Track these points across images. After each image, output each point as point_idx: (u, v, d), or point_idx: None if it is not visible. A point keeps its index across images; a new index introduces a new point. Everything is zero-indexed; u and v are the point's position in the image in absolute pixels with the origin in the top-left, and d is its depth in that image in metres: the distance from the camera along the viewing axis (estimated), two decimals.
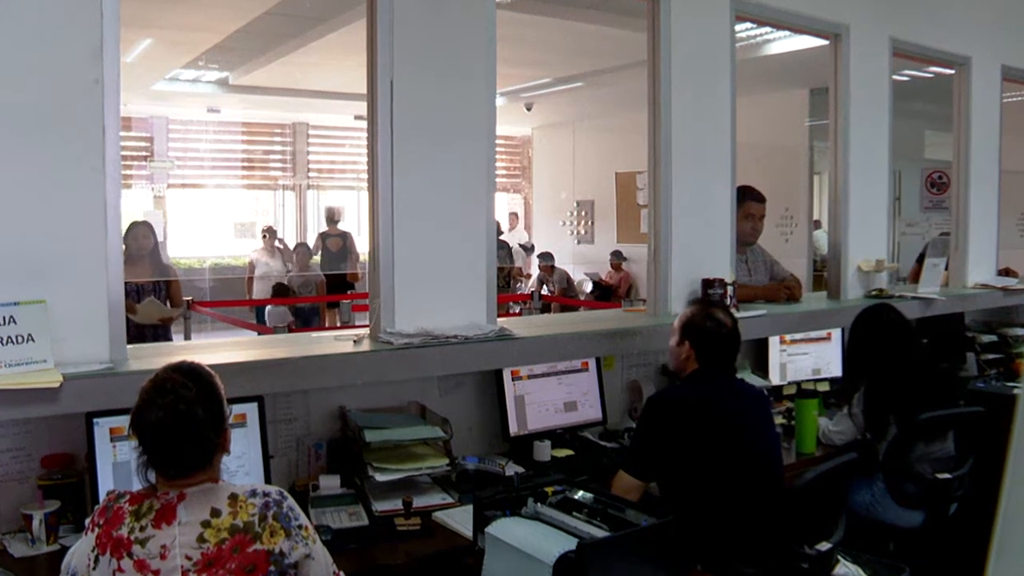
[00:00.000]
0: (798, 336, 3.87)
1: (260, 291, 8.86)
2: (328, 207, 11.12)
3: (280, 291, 8.52)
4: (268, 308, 8.45)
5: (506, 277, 10.80)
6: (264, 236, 9.76)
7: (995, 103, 5.26)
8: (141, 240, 4.76)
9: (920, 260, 5.17)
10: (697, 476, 2.47)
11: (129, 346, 2.45)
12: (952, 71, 5.13)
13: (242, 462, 2.41)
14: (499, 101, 3.20)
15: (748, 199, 4.00)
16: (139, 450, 1.74)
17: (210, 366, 1.84)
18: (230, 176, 12.03)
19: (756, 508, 2.45)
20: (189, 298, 6.82)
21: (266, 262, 9.32)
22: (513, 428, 3.06)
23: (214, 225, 11.56)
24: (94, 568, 1.70)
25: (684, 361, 2.68)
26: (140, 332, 4.46)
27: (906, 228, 6.96)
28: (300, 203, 12.71)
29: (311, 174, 12.68)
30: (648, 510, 2.04)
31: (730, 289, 3.58)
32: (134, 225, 4.87)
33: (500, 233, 11.37)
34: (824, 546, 2.48)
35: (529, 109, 11.41)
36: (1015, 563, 0.79)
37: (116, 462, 2.28)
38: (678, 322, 2.74)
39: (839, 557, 2.53)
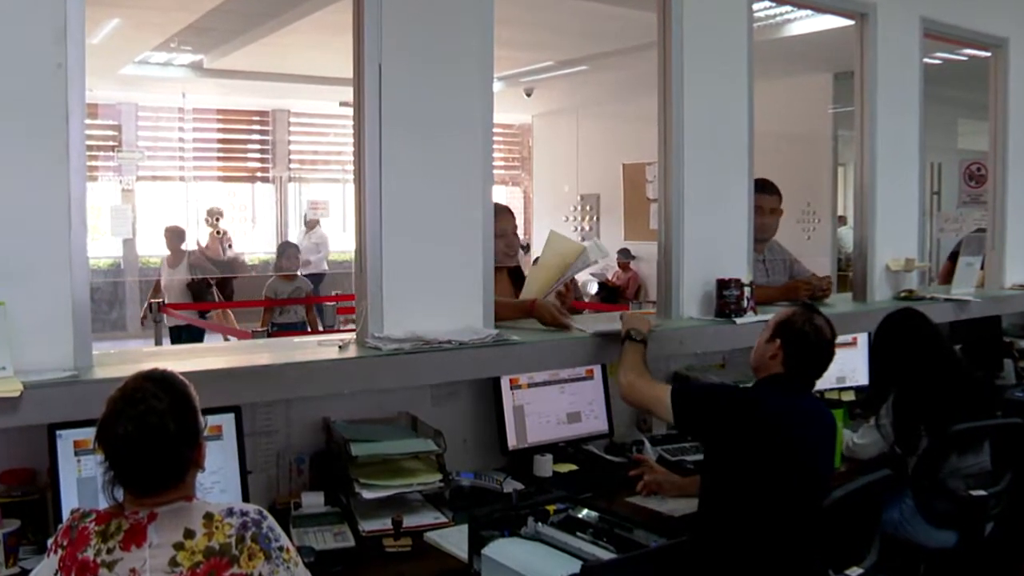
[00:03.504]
0: None
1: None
2: (210, 207, 11.31)
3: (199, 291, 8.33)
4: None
5: None
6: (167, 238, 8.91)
7: None
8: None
9: (952, 258, 5.18)
10: (749, 503, 2.45)
11: (95, 352, 2.45)
12: (988, 54, 5.14)
13: (217, 478, 2.41)
14: (496, 86, 3.21)
15: (756, 191, 3.99)
16: (106, 465, 1.74)
17: (183, 374, 1.84)
18: (204, 168, 12.04)
19: (790, 535, 2.44)
20: None
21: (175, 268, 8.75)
22: (512, 441, 3.06)
23: (189, 221, 11.54)
24: None
25: (768, 360, 2.65)
26: None
27: (944, 224, 6.98)
28: (280, 197, 12.72)
29: (292, 165, 12.70)
30: (658, 530, 2.04)
31: (747, 291, 3.58)
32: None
33: None
34: (855, 571, 2.48)
35: (529, 95, 11.43)
36: None
37: (81, 478, 2.27)
38: (774, 318, 2.73)
39: None
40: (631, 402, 2.90)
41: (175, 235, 8.81)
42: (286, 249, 8.90)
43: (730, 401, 2.63)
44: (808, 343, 2.63)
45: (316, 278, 10.94)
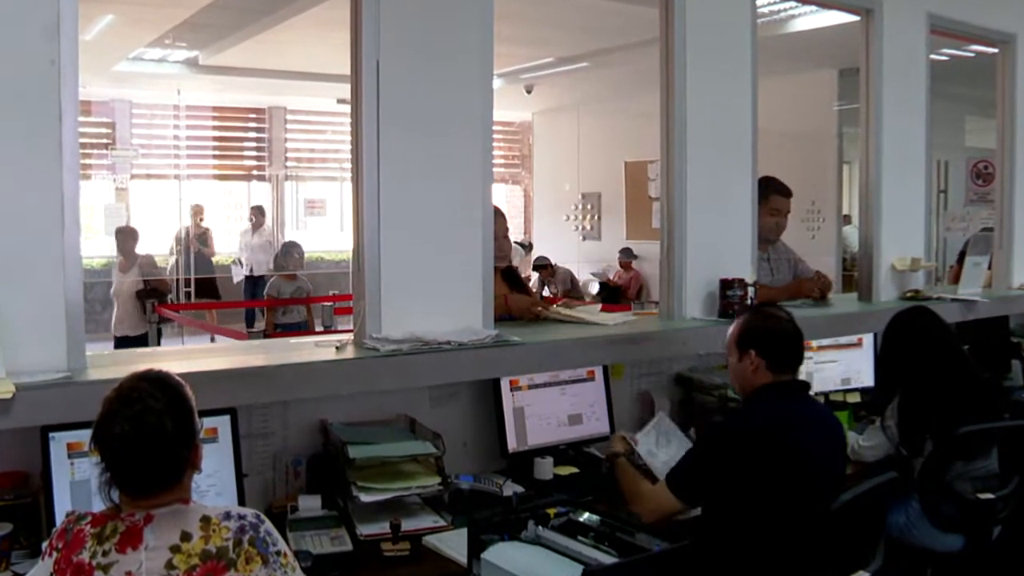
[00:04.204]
0: (826, 342, 3.87)
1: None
2: (195, 204, 11.30)
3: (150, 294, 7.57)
4: None
5: None
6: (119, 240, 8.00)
7: None
8: None
9: (961, 259, 5.18)
10: (752, 510, 2.45)
11: (89, 354, 2.45)
12: (995, 50, 5.14)
13: (213, 481, 2.41)
14: (496, 83, 3.21)
15: (773, 193, 4.01)
16: (102, 466, 1.74)
17: (179, 375, 1.85)
18: (200, 165, 12.05)
19: (793, 539, 2.45)
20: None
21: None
22: (512, 443, 3.06)
23: (183, 219, 11.54)
24: None
25: (753, 375, 2.63)
26: None
27: (950, 223, 6.98)
28: (277, 195, 12.72)
29: (289, 163, 12.70)
30: (661, 534, 2.05)
31: (751, 291, 3.59)
32: None
33: None
34: (861, 575, 2.49)
35: (529, 92, 11.43)
36: None
37: (74, 480, 2.27)
38: (732, 337, 2.71)
39: None
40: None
41: (128, 236, 7.98)
42: (290, 249, 8.85)
43: (725, 451, 2.52)
44: (778, 334, 2.64)
45: (258, 280, 10.93)
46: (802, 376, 3.75)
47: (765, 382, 2.62)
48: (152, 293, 7.61)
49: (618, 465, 2.74)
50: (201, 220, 11.40)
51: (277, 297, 7.98)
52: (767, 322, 2.66)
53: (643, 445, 2.86)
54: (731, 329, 2.75)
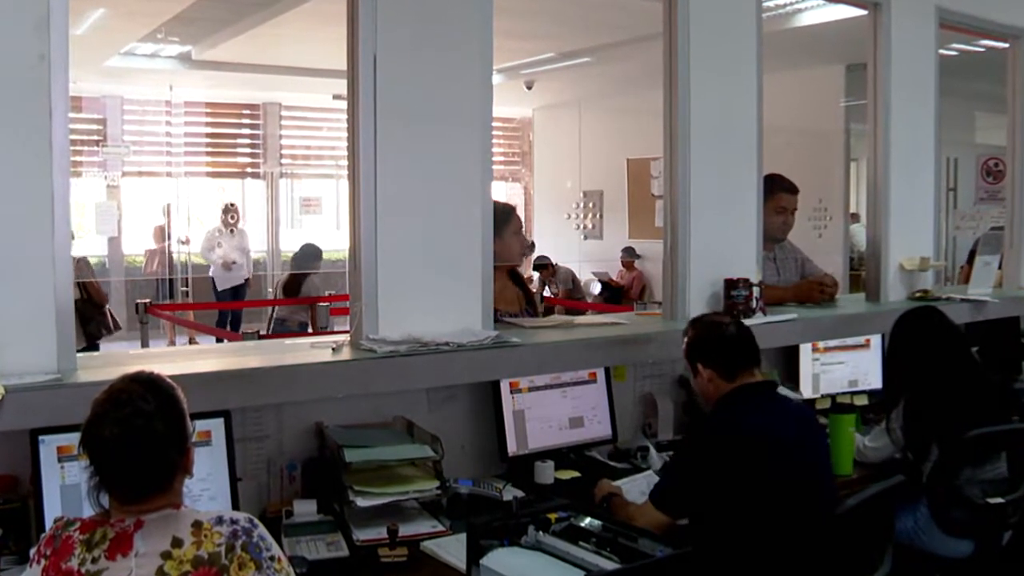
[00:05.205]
0: (833, 343, 3.87)
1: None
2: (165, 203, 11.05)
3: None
4: None
5: None
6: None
7: None
8: None
9: (971, 258, 5.18)
10: (740, 512, 2.47)
11: (79, 355, 2.45)
12: (1006, 45, 5.14)
13: (206, 485, 2.41)
14: (496, 79, 3.21)
15: (779, 190, 4.01)
16: (91, 470, 1.74)
17: (171, 377, 1.85)
18: (193, 163, 12.03)
19: (798, 543, 2.45)
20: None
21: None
22: (512, 447, 3.06)
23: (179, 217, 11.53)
24: None
25: (711, 387, 2.67)
26: None
27: (960, 222, 6.99)
28: (272, 193, 12.71)
29: (284, 160, 12.69)
30: (663, 540, 2.04)
31: (756, 291, 3.59)
32: None
33: None
34: None
35: (530, 88, 11.43)
36: None
37: (64, 484, 2.27)
38: (684, 356, 2.76)
39: None
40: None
41: None
42: (312, 250, 8.89)
43: (706, 458, 2.55)
44: (716, 340, 2.67)
45: (243, 285, 10.83)
46: (807, 378, 3.80)
47: (725, 390, 2.64)
48: (88, 304, 6.67)
49: (614, 503, 2.76)
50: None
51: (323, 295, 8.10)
52: (705, 331, 2.70)
53: (634, 488, 2.88)
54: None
